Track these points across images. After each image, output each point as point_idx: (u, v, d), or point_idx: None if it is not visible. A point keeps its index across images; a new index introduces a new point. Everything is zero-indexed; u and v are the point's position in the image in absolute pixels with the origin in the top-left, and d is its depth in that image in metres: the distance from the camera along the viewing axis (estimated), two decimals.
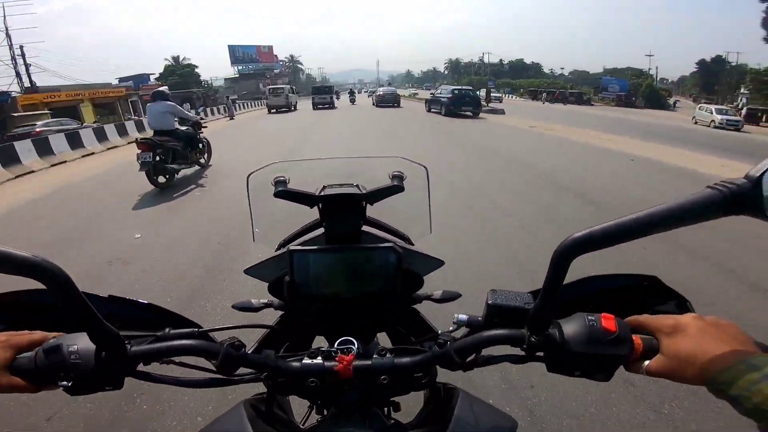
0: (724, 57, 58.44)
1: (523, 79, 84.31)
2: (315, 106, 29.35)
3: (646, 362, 0.48)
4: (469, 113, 19.65)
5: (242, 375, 0.58)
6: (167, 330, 0.57)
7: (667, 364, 0.46)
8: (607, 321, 0.48)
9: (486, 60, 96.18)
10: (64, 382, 0.49)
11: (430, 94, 27.32)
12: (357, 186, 0.75)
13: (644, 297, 0.60)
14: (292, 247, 0.70)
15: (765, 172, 0.39)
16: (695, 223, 0.42)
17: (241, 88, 59.03)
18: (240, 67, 69.13)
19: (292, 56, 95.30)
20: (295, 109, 28.89)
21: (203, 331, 0.59)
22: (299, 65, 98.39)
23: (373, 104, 30.07)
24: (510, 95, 61.41)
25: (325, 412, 0.68)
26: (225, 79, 67.93)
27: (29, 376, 0.49)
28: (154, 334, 0.56)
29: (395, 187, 0.73)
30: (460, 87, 22.83)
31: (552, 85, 66.54)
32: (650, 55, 69.83)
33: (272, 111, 27.78)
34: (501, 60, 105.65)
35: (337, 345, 0.62)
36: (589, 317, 0.49)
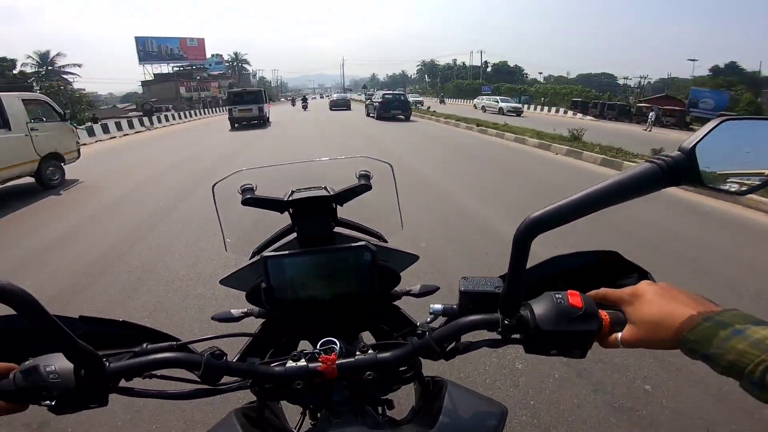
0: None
1: (506, 83, 64.30)
2: (234, 124, 18.79)
3: (619, 334, 0.49)
4: (401, 117, 21.03)
5: (228, 384, 0.58)
6: (145, 345, 0.57)
7: (638, 333, 0.47)
8: (574, 297, 0.50)
9: (473, 61, 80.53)
10: (47, 401, 0.50)
11: (368, 99, 27.94)
12: (325, 188, 0.75)
13: (607, 272, 0.62)
14: (266, 253, 0.70)
15: (697, 143, 0.43)
16: (639, 196, 0.44)
17: (155, 94, 46.69)
18: (173, 66, 53.79)
19: (236, 54, 75.18)
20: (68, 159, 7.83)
21: (182, 343, 0.59)
22: (245, 65, 77.29)
23: (330, 108, 32.77)
24: (528, 105, 39.60)
25: (318, 416, 0.69)
26: (141, 84, 53.25)
27: (11, 398, 0.50)
28: (132, 350, 0.56)
29: (363, 186, 0.74)
30: (391, 92, 24.67)
31: (585, 93, 45.34)
32: (694, 60, 62.38)
33: None
34: (486, 62, 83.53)
35: (320, 346, 0.62)
36: (557, 295, 0.51)
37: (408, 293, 0.76)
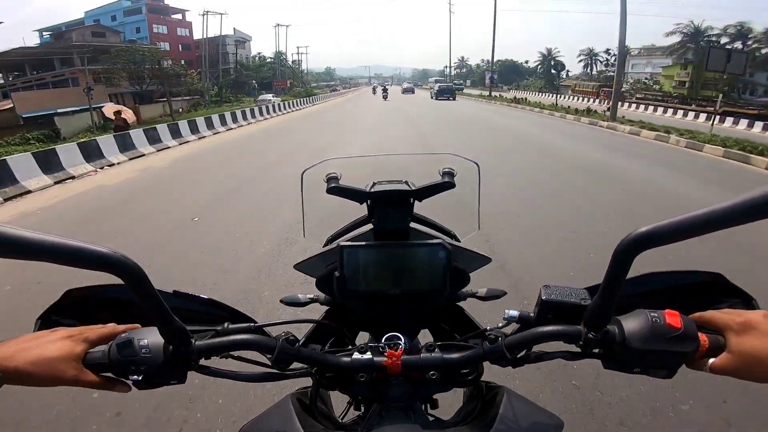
0: None
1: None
2: None
3: (711, 360, 0.48)
4: (451, 98, 37.59)
5: (293, 370, 0.62)
6: (226, 325, 0.60)
7: (734, 363, 0.46)
8: (672, 317, 0.49)
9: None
10: (135, 377, 0.52)
11: (431, 88, 48.89)
12: (406, 182, 0.75)
13: (706, 294, 0.60)
14: (342, 242, 0.70)
15: None
16: (766, 218, 0.41)
17: None
18: None
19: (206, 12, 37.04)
20: None
21: (259, 325, 0.62)
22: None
23: (402, 92, 53.21)
24: None
25: (362, 408, 0.71)
26: None
27: (101, 370, 0.52)
28: (214, 328, 0.60)
29: (446, 183, 0.72)
30: (445, 83, 44.42)
31: None
32: None
33: None
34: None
35: (385, 340, 0.64)
36: (652, 314, 0.50)
37: (474, 295, 0.76)
